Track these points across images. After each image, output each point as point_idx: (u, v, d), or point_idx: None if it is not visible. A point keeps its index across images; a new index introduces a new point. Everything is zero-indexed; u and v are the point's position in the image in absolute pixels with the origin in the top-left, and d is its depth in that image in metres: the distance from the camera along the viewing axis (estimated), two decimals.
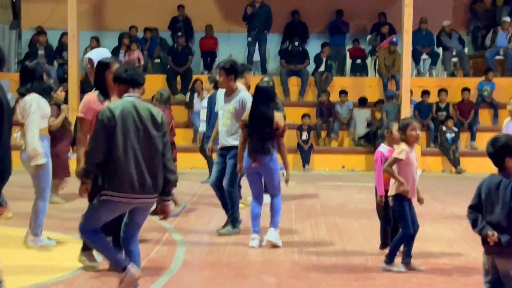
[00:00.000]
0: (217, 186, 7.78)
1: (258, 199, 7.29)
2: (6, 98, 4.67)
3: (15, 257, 6.40)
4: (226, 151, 7.67)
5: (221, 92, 7.84)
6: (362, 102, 15.58)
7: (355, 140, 15.33)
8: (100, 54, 7.07)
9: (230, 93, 7.66)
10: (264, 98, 7.14)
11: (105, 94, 5.98)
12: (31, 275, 5.91)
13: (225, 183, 7.63)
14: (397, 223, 6.43)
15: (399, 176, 6.16)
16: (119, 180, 4.79)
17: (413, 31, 14.57)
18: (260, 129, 7.05)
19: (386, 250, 6.51)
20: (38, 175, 6.73)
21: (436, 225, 8.48)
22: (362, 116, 15.43)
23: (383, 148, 6.66)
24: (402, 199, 6.21)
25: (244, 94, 7.65)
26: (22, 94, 6.78)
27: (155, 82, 15.52)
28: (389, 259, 6.25)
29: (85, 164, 4.96)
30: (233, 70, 7.61)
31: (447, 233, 8.05)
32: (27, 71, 6.89)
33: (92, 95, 6.01)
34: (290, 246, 7.25)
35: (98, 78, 6.05)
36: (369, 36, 17.56)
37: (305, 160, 14.77)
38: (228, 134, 7.64)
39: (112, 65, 6.00)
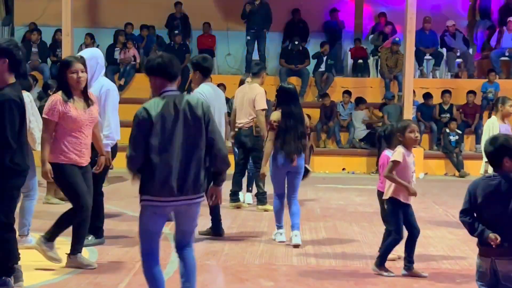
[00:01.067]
0: None
1: (282, 197, 7.51)
2: (23, 99, 4.92)
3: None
4: None
5: None
6: (359, 102, 15.58)
7: (352, 142, 15.33)
8: (92, 53, 7.08)
9: None
10: (293, 98, 7.41)
11: (68, 94, 6.05)
12: (36, 273, 5.91)
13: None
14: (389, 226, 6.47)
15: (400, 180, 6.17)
16: (155, 183, 4.54)
17: (416, 31, 14.59)
18: (295, 130, 7.27)
19: (391, 255, 6.56)
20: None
21: (438, 229, 8.50)
22: (359, 117, 15.44)
23: (389, 152, 6.66)
24: (396, 203, 6.23)
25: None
26: None
27: None
28: (380, 262, 6.29)
29: (128, 170, 4.66)
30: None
31: (449, 237, 8.07)
32: None
33: (57, 96, 6.06)
34: (288, 249, 7.26)
35: (61, 78, 6.11)
36: (371, 36, 17.59)
37: (305, 162, 14.75)
38: None
39: (73, 64, 6.07)
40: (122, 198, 9.88)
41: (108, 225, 7.78)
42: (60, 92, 6.10)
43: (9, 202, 5.26)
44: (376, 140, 6.93)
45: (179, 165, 4.56)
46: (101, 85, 6.98)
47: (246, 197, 10.02)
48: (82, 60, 6.22)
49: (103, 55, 7.30)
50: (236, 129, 9.48)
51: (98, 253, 6.85)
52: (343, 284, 6.04)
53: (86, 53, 7.05)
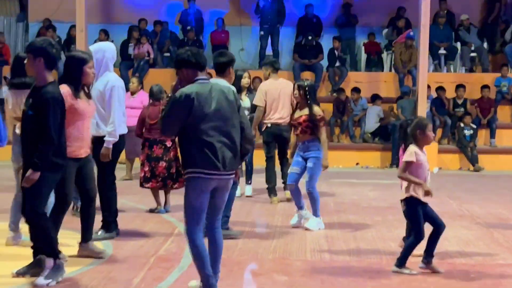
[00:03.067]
0: None
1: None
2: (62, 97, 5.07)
3: (17, 251, 6.46)
4: None
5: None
6: (375, 98, 15.54)
7: (364, 136, 15.30)
8: (99, 47, 7.09)
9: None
10: (315, 94, 8.17)
11: (78, 88, 6.11)
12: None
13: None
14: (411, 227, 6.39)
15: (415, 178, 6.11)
16: (201, 158, 4.96)
17: (430, 25, 14.52)
18: None
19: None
20: None
21: (452, 224, 8.44)
22: (373, 113, 15.40)
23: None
24: (415, 202, 6.16)
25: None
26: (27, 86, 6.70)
27: (164, 76, 15.53)
28: (400, 263, 6.21)
29: (162, 133, 5.27)
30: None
31: (463, 232, 8.03)
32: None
33: (66, 88, 6.05)
34: (302, 244, 7.26)
35: (73, 72, 6.12)
36: (385, 30, 17.53)
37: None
38: None
39: (90, 60, 6.20)
40: (135, 193, 9.90)
41: (123, 220, 7.80)
42: (66, 85, 6.08)
43: (46, 195, 5.61)
44: (400, 133, 6.71)
45: (224, 141, 5.04)
46: (107, 80, 6.99)
47: (246, 189, 10.12)
48: (91, 55, 6.34)
49: (114, 49, 7.27)
50: (269, 125, 9.53)
51: (112, 247, 6.87)
52: (357, 279, 6.02)
53: (94, 46, 7.09)
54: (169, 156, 8.73)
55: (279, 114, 9.47)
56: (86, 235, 6.44)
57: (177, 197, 9.56)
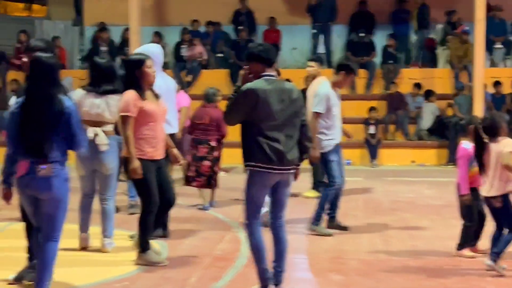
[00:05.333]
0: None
1: None
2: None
3: (75, 253, 6.58)
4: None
5: (330, 89, 7.70)
6: (428, 95, 15.33)
7: (419, 134, 15.11)
8: (143, 49, 7.10)
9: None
10: None
11: (141, 90, 6.14)
12: (94, 272, 6.04)
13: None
14: (501, 223, 6.22)
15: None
16: (260, 152, 5.05)
17: (486, 19, 14.26)
18: None
19: (465, 252, 6.51)
20: (113, 175, 6.74)
21: None
22: (429, 109, 15.19)
23: (466, 144, 6.51)
24: (509, 198, 6.06)
25: None
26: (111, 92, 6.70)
27: (218, 77, 15.65)
28: (495, 257, 6.03)
29: (224, 120, 5.36)
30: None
31: None
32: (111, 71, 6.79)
33: (132, 92, 6.11)
34: (357, 243, 7.22)
35: (132, 76, 6.16)
36: (439, 25, 17.29)
37: (373, 155, 14.67)
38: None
39: (148, 60, 6.21)
40: (189, 194, 9.96)
41: (177, 220, 7.88)
42: (131, 90, 6.14)
43: None
44: (459, 129, 6.64)
45: (285, 138, 5.12)
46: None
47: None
48: (147, 55, 6.36)
49: (160, 52, 7.22)
50: None
51: (168, 247, 6.92)
52: (413, 278, 5.95)
53: (139, 50, 7.10)
54: (213, 155, 9.02)
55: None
56: (144, 244, 6.31)
57: (227, 194, 9.65)
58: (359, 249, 6.97)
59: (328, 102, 7.60)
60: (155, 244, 6.82)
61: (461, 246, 6.65)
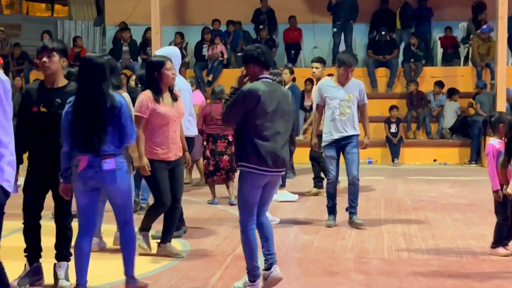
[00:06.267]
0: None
1: None
2: None
3: (100, 252, 6.62)
4: (344, 141, 7.88)
5: (327, 82, 8.16)
6: (452, 93, 15.23)
7: (441, 132, 15.02)
8: (162, 51, 7.12)
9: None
10: None
11: (158, 92, 6.25)
12: (116, 270, 6.06)
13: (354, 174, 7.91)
14: None
15: None
16: (256, 154, 5.13)
17: (509, 17, 14.13)
18: None
19: (499, 250, 6.47)
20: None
21: None
22: (451, 108, 15.09)
23: (493, 141, 6.47)
24: None
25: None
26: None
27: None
28: None
29: (222, 121, 5.40)
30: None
31: None
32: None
33: (147, 93, 6.25)
34: (379, 242, 7.19)
35: (152, 77, 6.26)
36: (462, 23, 17.17)
37: (395, 154, 14.60)
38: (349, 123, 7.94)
39: (167, 62, 6.30)
40: (208, 193, 9.98)
41: (199, 219, 7.90)
42: (148, 91, 6.28)
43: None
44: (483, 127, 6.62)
45: (280, 140, 5.21)
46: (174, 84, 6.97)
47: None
48: (168, 57, 6.44)
49: (179, 53, 7.25)
50: None
51: (190, 246, 6.95)
52: (436, 278, 5.91)
53: (159, 52, 7.13)
54: (231, 150, 9.21)
55: None
56: (166, 236, 6.54)
57: None
58: (381, 248, 6.94)
59: (321, 94, 8.03)
60: (177, 243, 6.86)
61: (495, 244, 6.59)
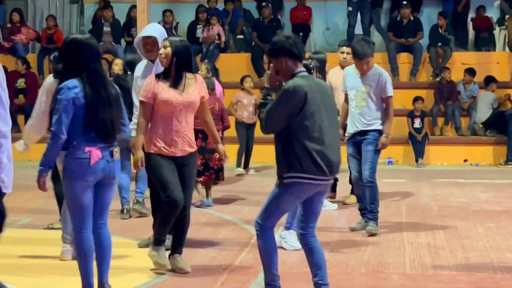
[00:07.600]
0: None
1: None
2: None
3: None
4: (360, 136, 8.05)
5: (350, 70, 8.30)
6: (489, 82, 15.23)
7: (473, 128, 15.03)
8: (152, 28, 7.19)
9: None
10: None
11: (165, 75, 6.28)
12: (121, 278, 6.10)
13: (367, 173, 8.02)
14: None
15: None
16: (308, 160, 5.09)
17: None
18: None
19: None
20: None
21: None
22: (486, 99, 15.09)
23: None
24: None
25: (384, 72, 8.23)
26: None
27: (238, 62, 15.65)
28: None
29: (263, 129, 5.28)
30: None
31: None
32: None
33: (152, 77, 6.32)
34: (400, 255, 7.21)
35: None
36: (497, 2, 17.19)
37: (419, 153, 14.61)
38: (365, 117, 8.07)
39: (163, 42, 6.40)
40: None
41: (192, 227, 7.89)
42: (153, 75, 6.39)
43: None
44: None
45: (332, 142, 5.19)
46: None
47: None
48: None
49: (164, 32, 7.23)
50: None
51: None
52: None
53: (150, 28, 7.21)
54: None
55: None
56: (175, 247, 6.46)
57: (250, 197, 9.67)
58: (403, 262, 6.96)
59: (344, 83, 8.29)
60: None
61: None
